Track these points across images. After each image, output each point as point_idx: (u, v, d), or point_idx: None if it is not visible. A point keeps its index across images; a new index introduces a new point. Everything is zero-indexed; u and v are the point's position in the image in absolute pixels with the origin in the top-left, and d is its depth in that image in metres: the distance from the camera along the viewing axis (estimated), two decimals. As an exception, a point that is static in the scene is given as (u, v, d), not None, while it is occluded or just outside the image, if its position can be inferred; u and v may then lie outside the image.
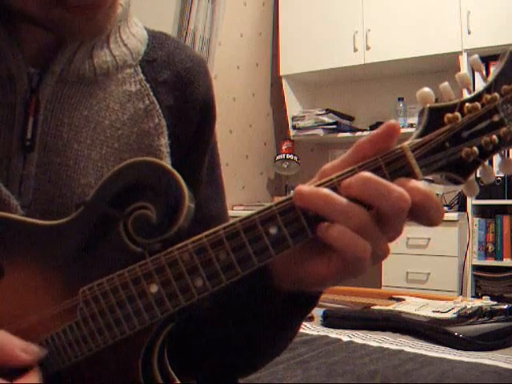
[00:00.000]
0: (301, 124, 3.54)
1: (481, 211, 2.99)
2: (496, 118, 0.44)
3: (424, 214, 0.44)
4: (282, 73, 3.60)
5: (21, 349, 0.46)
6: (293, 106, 3.64)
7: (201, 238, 0.46)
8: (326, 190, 0.44)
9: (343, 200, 0.43)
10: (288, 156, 3.57)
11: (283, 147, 3.66)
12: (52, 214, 0.53)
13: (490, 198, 2.89)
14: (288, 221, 0.45)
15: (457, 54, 2.99)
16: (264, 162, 3.73)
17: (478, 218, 2.95)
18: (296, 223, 0.45)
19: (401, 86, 3.46)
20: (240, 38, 3.54)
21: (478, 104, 0.44)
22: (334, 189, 0.44)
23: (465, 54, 2.96)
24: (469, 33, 2.95)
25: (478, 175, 0.46)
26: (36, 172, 0.55)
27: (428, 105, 0.45)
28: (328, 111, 3.47)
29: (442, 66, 3.06)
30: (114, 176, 0.49)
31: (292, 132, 3.59)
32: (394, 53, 3.17)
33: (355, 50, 3.31)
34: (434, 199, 0.43)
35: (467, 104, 0.44)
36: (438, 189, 3.14)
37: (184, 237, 0.47)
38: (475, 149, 0.44)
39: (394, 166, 0.44)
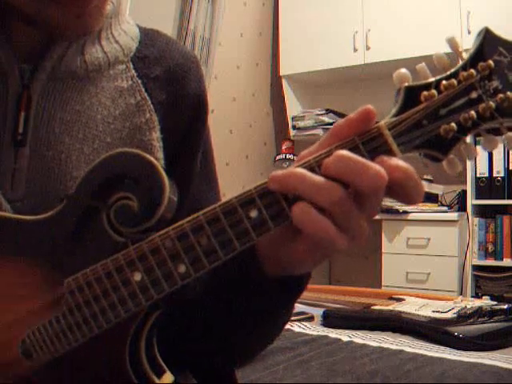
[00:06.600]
0: (301, 124, 3.54)
1: (481, 211, 2.98)
2: (474, 95, 0.44)
3: (403, 191, 0.44)
4: (281, 73, 3.60)
5: None
6: (293, 106, 3.64)
7: (182, 224, 0.46)
8: (298, 169, 0.44)
9: (316, 177, 0.43)
10: (288, 156, 3.56)
11: (283, 147, 3.66)
12: (45, 207, 0.53)
13: (490, 197, 2.89)
14: (268, 203, 0.44)
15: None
16: (264, 162, 3.72)
17: (477, 218, 2.94)
18: (276, 206, 0.44)
19: (401, 86, 3.45)
20: (240, 37, 3.53)
21: (454, 81, 0.44)
22: (312, 170, 0.44)
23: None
24: (469, 33, 2.95)
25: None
26: (28, 166, 0.56)
27: (405, 84, 0.45)
28: (328, 111, 3.46)
29: (442, 66, 3.05)
30: (96, 168, 0.49)
31: (292, 132, 3.58)
32: (394, 53, 3.16)
33: (355, 49, 3.31)
34: (413, 176, 0.43)
35: (444, 82, 0.44)
36: (437, 189, 3.13)
37: None
38: (453, 125, 0.44)
39: (372, 145, 0.44)
